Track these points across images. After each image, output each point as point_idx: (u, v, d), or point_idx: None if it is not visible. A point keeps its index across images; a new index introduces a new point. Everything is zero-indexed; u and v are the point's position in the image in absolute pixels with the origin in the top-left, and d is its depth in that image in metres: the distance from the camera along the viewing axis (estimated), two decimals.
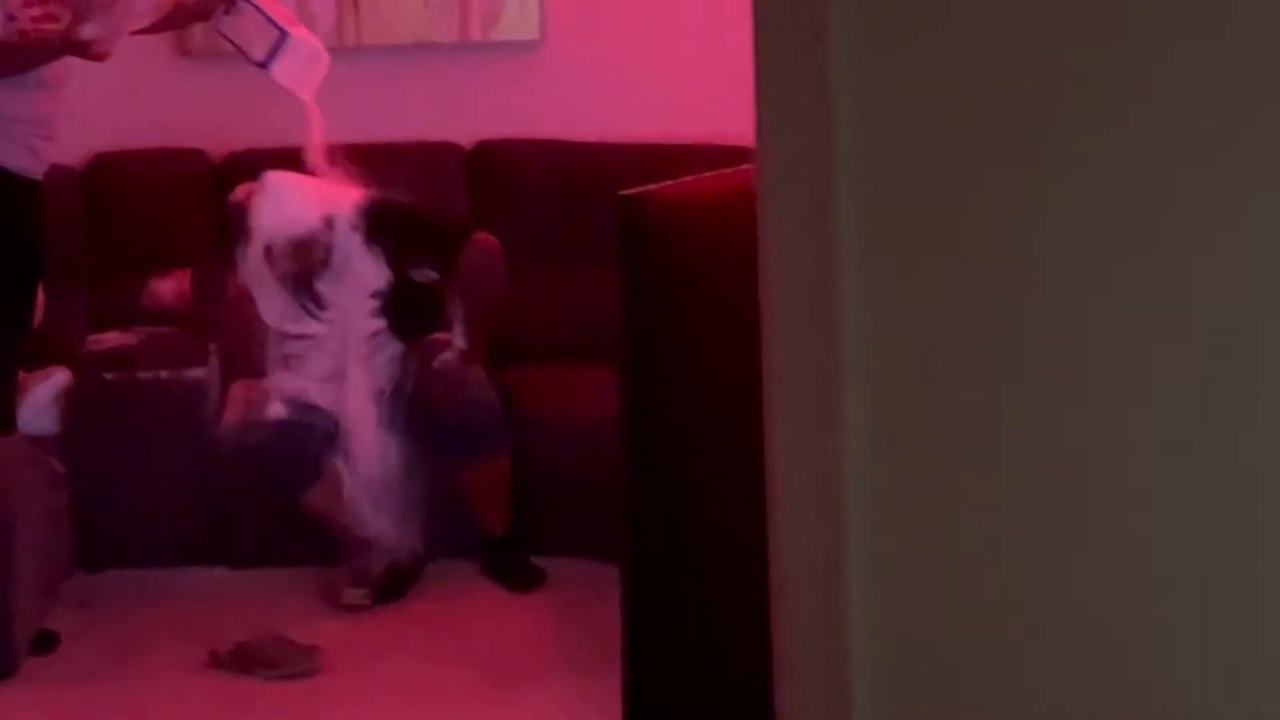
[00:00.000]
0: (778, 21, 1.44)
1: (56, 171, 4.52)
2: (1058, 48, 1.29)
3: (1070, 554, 1.34)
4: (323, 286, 4.66)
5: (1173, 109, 1.26)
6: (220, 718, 3.96)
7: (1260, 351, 1.25)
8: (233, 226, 4.61)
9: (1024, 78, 1.31)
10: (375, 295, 4.66)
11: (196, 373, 4.70)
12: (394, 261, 4.65)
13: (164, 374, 4.68)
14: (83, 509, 4.57)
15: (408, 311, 4.68)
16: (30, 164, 4.22)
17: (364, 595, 4.49)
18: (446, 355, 4.65)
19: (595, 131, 5.37)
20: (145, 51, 4.87)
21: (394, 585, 4.54)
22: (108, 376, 4.67)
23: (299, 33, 4.57)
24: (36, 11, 4.08)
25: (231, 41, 4.58)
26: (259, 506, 4.67)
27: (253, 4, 4.50)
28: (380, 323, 4.67)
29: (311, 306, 4.67)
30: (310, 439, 4.52)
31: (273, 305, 4.67)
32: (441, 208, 4.94)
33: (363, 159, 4.67)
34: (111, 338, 4.77)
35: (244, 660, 4.14)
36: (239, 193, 4.68)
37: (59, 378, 4.68)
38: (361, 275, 4.65)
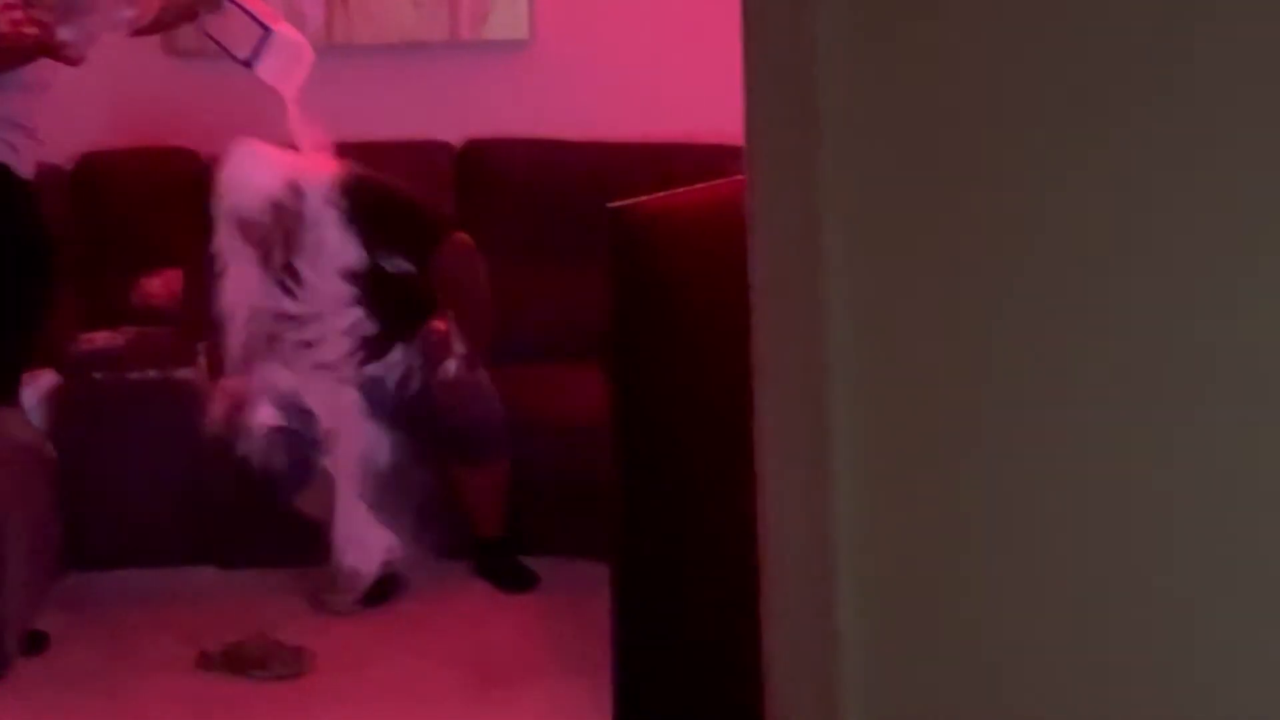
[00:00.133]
0: (766, 21, 1.44)
1: (45, 171, 4.51)
2: (1048, 50, 1.29)
3: (1063, 556, 1.34)
4: (300, 264, 4.61)
5: (1166, 112, 1.25)
6: (210, 718, 3.96)
7: (1259, 353, 1.25)
8: (209, 200, 4.59)
9: (1015, 79, 1.31)
10: (347, 277, 4.61)
11: (186, 373, 4.69)
12: (369, 244, 4.60)
13: (153, 374, 4.67)
14: (72, 509, 4.57)
15: (390, 306, 4.64)
16: (14, 161, 4.21)
17: (353, 599, 4.48)
18: (450, 363, 4.60)
19: (585, 130, 5.36)
20: (133, 51, 4.86)
21: (384, 587, 4.52)
22: (97, 376, 4.67)
23: (283, 29, 4.56)
24: (17, 15, 4.07)
25: (216, 41, 4.58)
26: (249, 507, 4.65)
27: (236, 3, 4.49)
28: (358, 311, 4.62)
29: (290, 282, 4.62)
30: (300, 444, 4.50)
31: (251, 283, 4.62)
32: (425, 198, 4.89)
33: (352, 158, 4.67)
34: (101, 337, 4.76)
35: (234, 661, 4.14)
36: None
37: (45, 380, 4.67)
38: (331, 251, 4.58)
